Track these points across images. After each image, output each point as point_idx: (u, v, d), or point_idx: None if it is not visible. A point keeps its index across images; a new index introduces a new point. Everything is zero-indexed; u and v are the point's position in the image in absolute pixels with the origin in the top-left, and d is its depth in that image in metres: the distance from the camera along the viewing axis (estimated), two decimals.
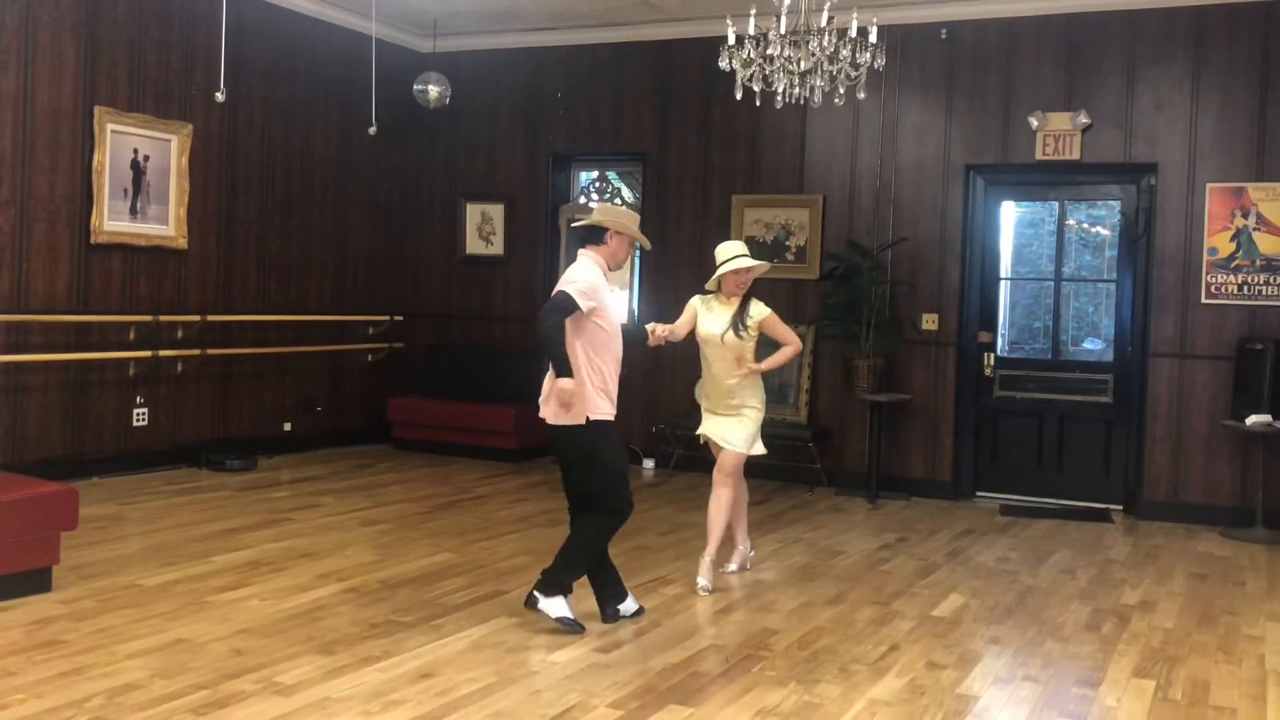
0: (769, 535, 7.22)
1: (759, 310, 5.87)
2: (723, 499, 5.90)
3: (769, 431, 9.06)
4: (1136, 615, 5.60)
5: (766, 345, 5.96)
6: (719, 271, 5.84)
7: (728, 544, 6.08)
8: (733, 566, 6.14)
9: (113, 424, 8.18)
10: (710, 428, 5.96)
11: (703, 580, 5.73)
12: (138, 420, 8.34)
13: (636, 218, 5.31)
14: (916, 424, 8.84)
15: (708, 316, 5.89)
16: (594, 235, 5.14)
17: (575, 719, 4.00)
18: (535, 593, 5.04)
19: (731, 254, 5.85)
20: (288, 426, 9.60)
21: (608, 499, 5.06)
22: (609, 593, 5.18)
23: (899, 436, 8.87)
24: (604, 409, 5.02)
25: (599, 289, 5.00)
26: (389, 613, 5.16)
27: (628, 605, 5.21)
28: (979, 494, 8.85)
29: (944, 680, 4.54)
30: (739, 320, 5.81)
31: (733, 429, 5.89)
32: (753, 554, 6.32)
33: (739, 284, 5.84)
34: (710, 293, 5.99)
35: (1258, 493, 7.66)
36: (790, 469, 9.11)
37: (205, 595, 5.31)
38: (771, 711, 4.13)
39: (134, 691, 4.06)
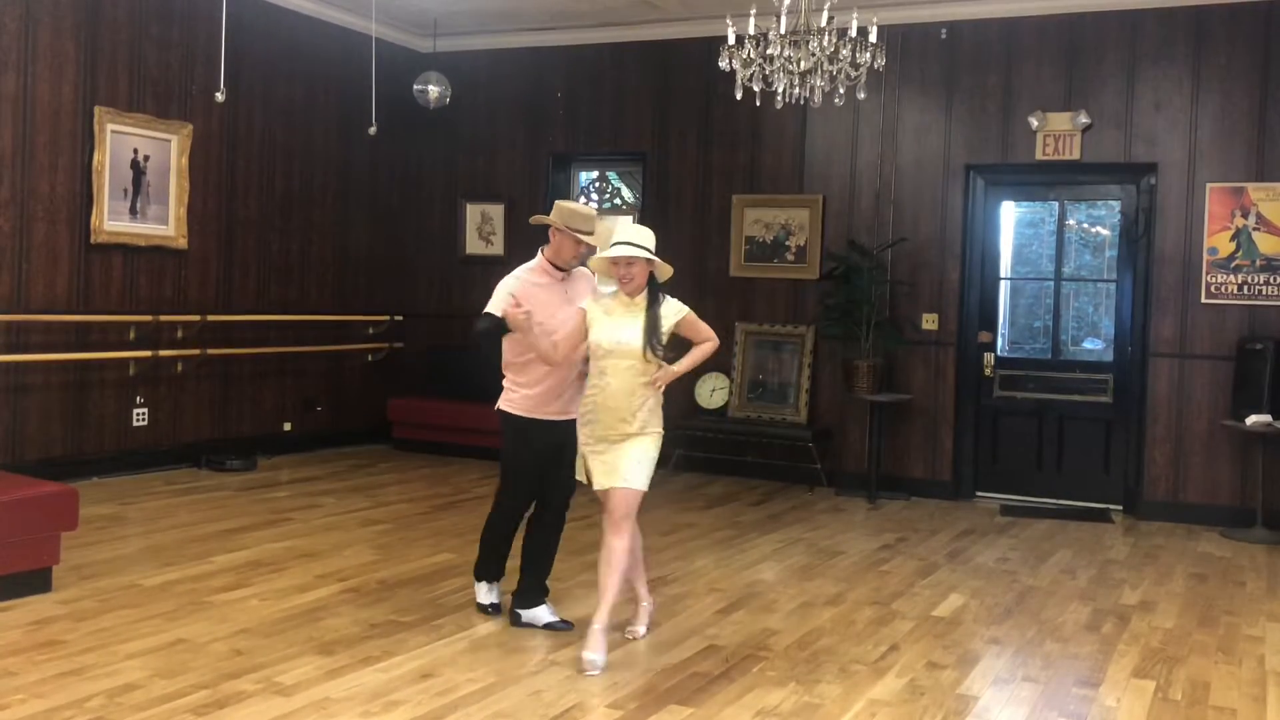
0: (769, 535, 7.22)
1: (674, 310, 4.71)
2: (618, 551, 4.61)
3: (770, 432, 9.16)
4: (1136, 615, 5.60)
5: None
6: (601, 254, 4.74)
7: (629, 602, 5.02)
8: (641, 629, 4.98)
9: (113, 424, 8.18)
10: (600, 469, 4.67)
11: (592, 655, 4.47)
12: (138, 420, 8.34)
13: (583, 213, 4.98)
14: (916, 424, 8.84)
15: (606, 321, 4.67)
16: (545, 232, 5.10)
17: (575, 719, 4.00)
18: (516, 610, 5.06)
19: (621, 238, 4.66)
20: (288, 426, 9.60)
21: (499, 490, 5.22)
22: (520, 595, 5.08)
23: (899, 437, 8.87)
24: (513, 402, 5.06)
25: (512, 294, 4.83)
26: (389, 613, 5.16)
27: (537, 614, 5.02)
28: (979, 494, 8.85)
29: (944, 680, 4.54)
30: (653, 331, 4.63)
31: (631, 462, 4.63)
32: (652, 608, 5.13)
33: (622, 277, 4.64)
34: (604, 290, 4.90)
35: (1258, 493, 7.66)
36: (790, 469, 9.11)
37: (205, 595, 5.31)
38: (771, 712, 4.13)
39: (134, 691, 4.06)
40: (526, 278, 4.99)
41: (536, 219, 5.14)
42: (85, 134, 7.83)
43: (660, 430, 4.79)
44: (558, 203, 5.11)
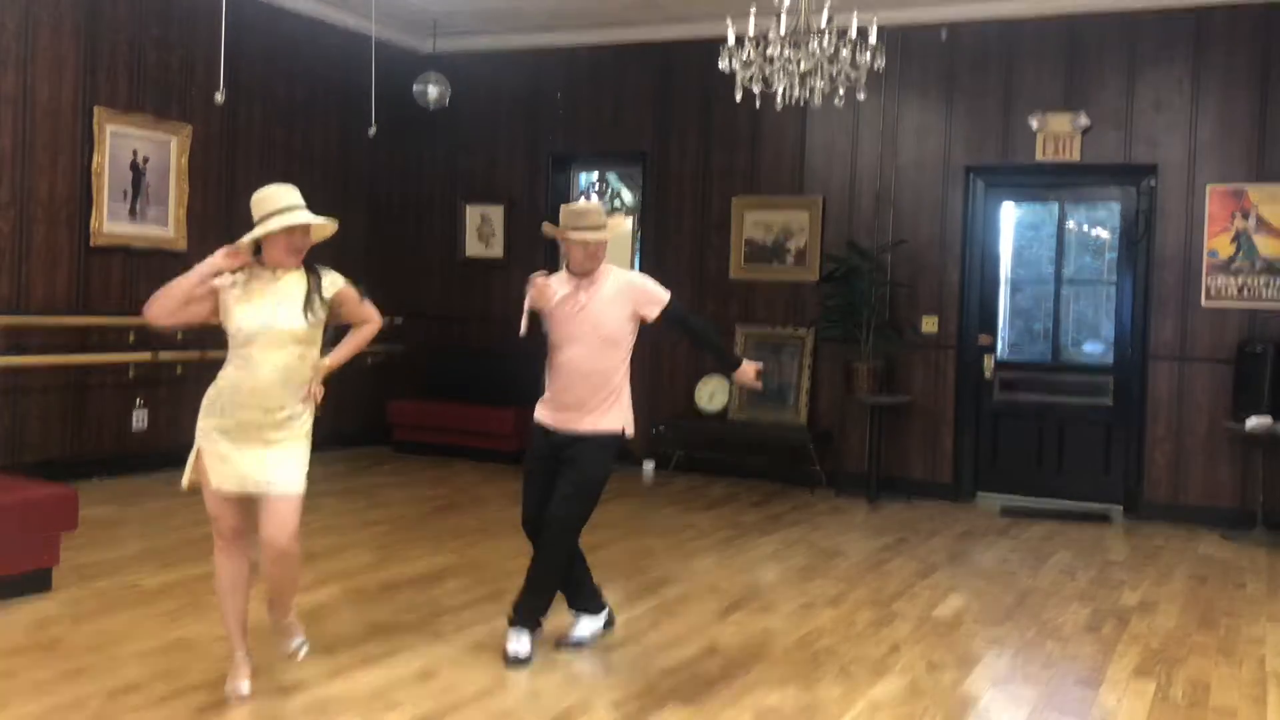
0: (769, 536, 7.22)
1: (333, 280, 4.19)
2: (293, 563, 4.05)
3: (770, 433, 9.16)
4: (1136, 616, 5.60)
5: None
6: (267, 227, 3.98)
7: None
8: (298, 642, 4.28)
9: (112, 426, 8.17)
10: (246, 470, 3.95)
11: (241, 685, 4.07)
12: (137, 422, 8.33)
13: (577, 209, 4.73)
14: (917, 426, 8.83)
15: (247, 305, 4.05)
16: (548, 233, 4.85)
17: (575, 719, 4.00)
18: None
19: (285, 203, 4.02)
20: None
21: None
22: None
23: (899, 438, 8.87)
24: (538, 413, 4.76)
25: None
26: (389, 613, 5.16)
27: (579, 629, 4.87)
28: (979, 495, 8.84)
29: (944, 681, 4.54)
30: (312, 298, 4.09)
31: (284, 461, 3.99)
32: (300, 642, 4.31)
33: (293, 249, 4.07)
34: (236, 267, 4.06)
35: (1258, 495, 7.66)
36: (790, 470, 9.11)
37: (205, 596, 5.29)
38: (771, 712, 4.13)
39: (134, 691, 4.06)
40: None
41: (547, 229, 4.84)
42: (85, 135, 7.83)
43: (309, 414, 4.14)
44: (562, 208, 4.88)
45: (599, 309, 4.61)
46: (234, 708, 3.96)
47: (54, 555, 5.26)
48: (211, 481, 3.99)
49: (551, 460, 4.65)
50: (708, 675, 4.49)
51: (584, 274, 4.65)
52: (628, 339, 4.70)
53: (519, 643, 4.55)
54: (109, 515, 6.97)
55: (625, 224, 4.78)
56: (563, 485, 4.58)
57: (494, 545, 6.64)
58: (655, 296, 4.70)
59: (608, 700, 4.16)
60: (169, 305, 4.01)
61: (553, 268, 10.74)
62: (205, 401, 4.11)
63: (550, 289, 4.48)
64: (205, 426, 4.05)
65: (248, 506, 4.04)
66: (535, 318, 4.62)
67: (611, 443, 4.65)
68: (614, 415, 4.64)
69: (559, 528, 4.57)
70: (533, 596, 4.62)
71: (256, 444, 3.98)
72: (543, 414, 4.72)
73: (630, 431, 4.74)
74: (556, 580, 4.67)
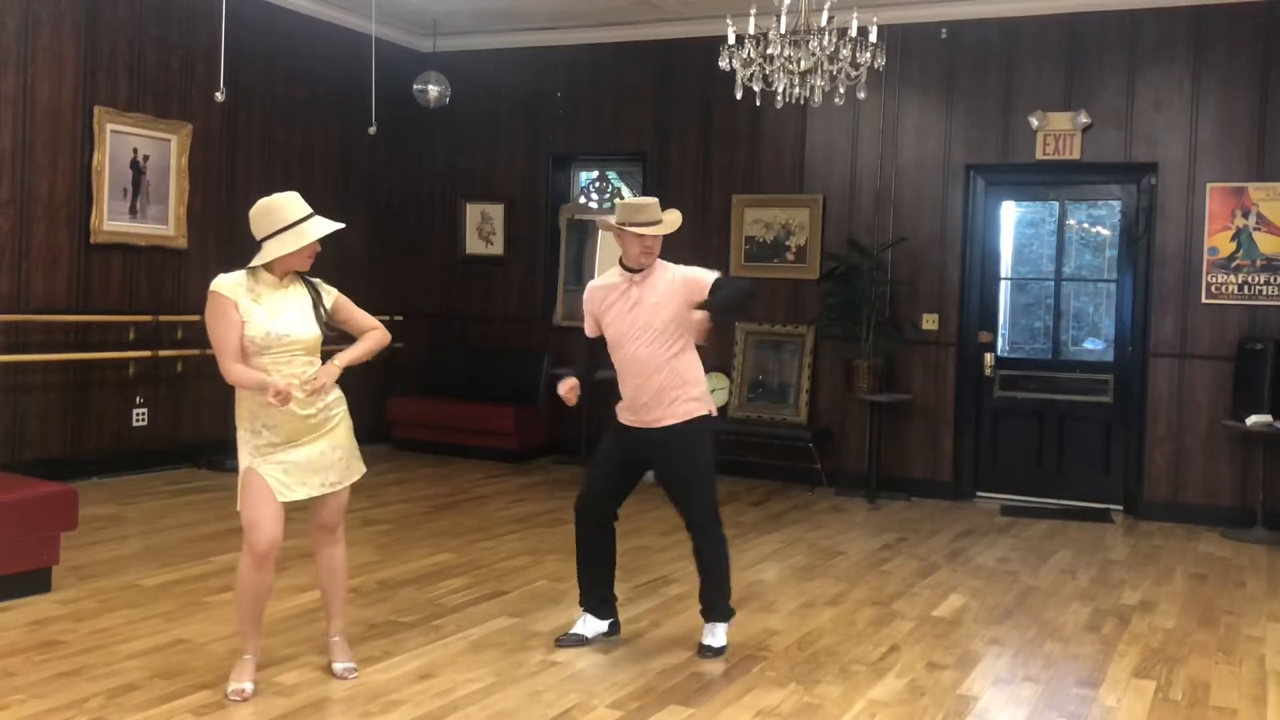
0: (769, 535, 7.22)
1: (327, 290, 4.33)
2: (339, 557, 4.51)
3: (770, 432, 9.15)
4: (1137, 616, 5.60)
5: None
6: (307, 236, 4.10)
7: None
8: (350, 665, 4.40)
9: (112, 424, 8.17)
10: (304, 478, 4.21)
11: (245, 686, 4.07)
12: (137, 420, 8.33)
13: (637, 204, 4.73)
14: (917, 424, 8.83)
15: (262, 311, 4.09)
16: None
17: (575, 719, 4.00)
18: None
19: (305, 211, 4.13)
20: None
21: None
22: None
23: (899, 437, 8.87)
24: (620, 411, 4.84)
25: (587, 305, 4.80)
26: (389, 613, 5.17)
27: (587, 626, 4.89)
28: (979, 494, 8.84)
29: (944, 681, 4.54)
30: (319, 306, 4.24)
31: (335, 457, 4.31)
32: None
33: (312, 254, 4.20)
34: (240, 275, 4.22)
35: (1258, 493, 7.66)
36: (790, 469, 9.11)
37: (205, 595, 5.31)
38: (771, 712, 4.13)
39: (134, 691, 4.06)
40: (597, 284, 4.83)
41: (603, 223, 4.84)
42: (85, 134, 7.83)
43: (341, 396, 4.33)
44: (618, 202, 4.94)
45: (652, 306, 4.64)
46: (234, 708, 3.96)
47: (54, 555, 5.26)
48: (285, 495, 4.12)
49: (628, 454, 4.76)
50: (708, 675, 4.50)
51: (638, 269, 4.68)
52: (686, 328, 4.70)
53: (714, 636, 4.78)
54: (109, 514, 6.97)
55: (680, 218, 4.85)
56: (677, 493, 4.81)
57: (494, 544, 6.65)
58: (705, 285, 4.66)
59: (608, 700, 4.16)
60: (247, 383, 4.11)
61: (553, 266, 10.76)
62: (244, 427, 4.19)
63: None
64: (256, 446, 4.13)
65: (285, 517, 4.17)
66: None
67: (700, 427, 4.72)
68: (694, 401, 4.70)
69: (701, 530, 4.79)
70: (713, 590, 4.81)
71: (312, 439, 4.20)
72: (624, 417, 4.78)
73: (715, 411, 4.81)
74: (726, 568, 4.85)
